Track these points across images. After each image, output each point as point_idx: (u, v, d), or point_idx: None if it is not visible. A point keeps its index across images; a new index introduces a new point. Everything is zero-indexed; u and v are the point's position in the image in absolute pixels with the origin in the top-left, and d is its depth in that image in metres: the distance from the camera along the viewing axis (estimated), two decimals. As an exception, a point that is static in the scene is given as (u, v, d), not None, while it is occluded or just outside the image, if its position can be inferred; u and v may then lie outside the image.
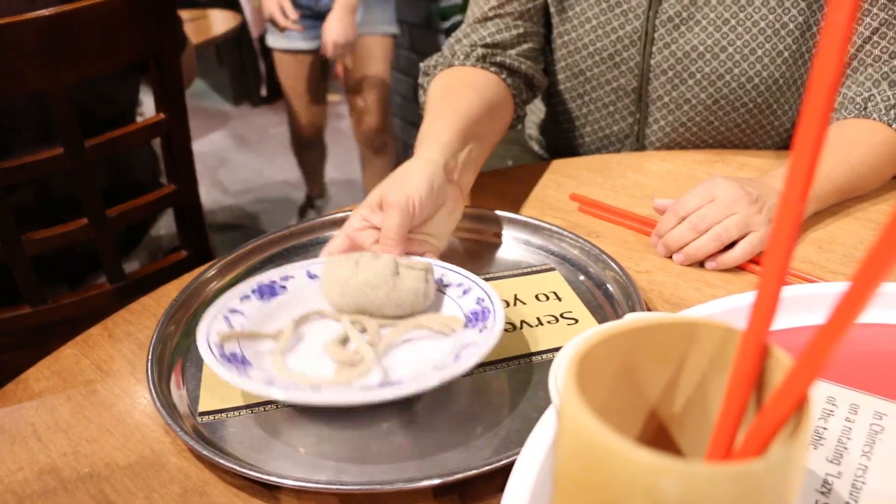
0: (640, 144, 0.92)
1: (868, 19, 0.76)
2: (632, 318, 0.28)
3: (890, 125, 0.71)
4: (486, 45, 0.83)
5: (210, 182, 2.86)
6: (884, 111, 0.72)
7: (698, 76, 0.84)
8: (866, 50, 0.77)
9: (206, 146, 3.24)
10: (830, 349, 0.23)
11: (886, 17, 0.75)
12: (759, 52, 0.81)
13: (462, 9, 1.85)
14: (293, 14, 2.03)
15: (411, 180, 0.60)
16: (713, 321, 0.27)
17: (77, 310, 0.91)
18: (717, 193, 0.64)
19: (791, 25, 0.79)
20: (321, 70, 2.29)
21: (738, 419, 0.26)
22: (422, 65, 0.86)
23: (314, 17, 2.09)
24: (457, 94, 0.75)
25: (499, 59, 0.82)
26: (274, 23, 2.06)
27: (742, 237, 0.63)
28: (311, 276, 0.59)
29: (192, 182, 1.00)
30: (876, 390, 0.40)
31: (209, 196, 2.72)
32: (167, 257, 1.01)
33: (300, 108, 2.31)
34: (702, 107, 0.86)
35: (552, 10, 0.89)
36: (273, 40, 2.17)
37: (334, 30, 1.97)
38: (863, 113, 0.73)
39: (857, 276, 0.22)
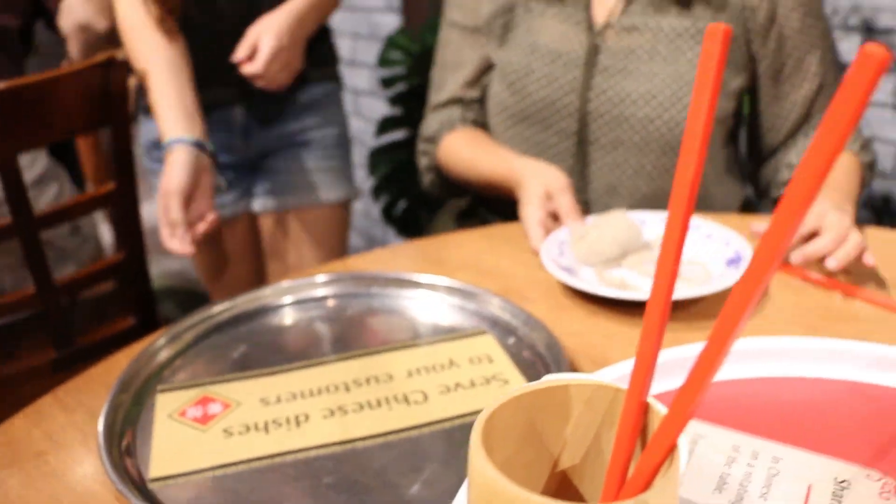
0: (583, 183, 1.01)
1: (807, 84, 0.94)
2: (546, 380, 0.32)
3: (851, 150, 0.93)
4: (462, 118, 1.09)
5: (158, 247, 2.83)
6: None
7: (632, 120, 0.94)
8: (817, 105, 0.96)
9: (153, 209, 3.22)
10: (693, 403, 0.28)
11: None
12: (685, 100, 0.92)
13: (404, 78, 1.92)
14: (187, 247, 0.96)
15: (552, 169, 0.88)
16: (605, 383, 0.32)
17: (18, 376, 0.92)
18: (826, 222, 0.74)
19: None
20: (255, 239, 1.34)
21: (625, 466, 0.30)
22: (423, 132, 1.12)
23: (238, 168, 1.27)
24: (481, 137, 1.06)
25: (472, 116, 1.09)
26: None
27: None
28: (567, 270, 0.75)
29: (140, 250, 1.02)
30: (773, 436, 0.45)
31: (156, 261, 2.69)
32: (112, 324, 1.02)
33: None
34: (636, 149, 0.96)
35: (501, 70, 1.02)
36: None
37: (273, 28, 1.06)
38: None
39: (711, 338, 0.27)
